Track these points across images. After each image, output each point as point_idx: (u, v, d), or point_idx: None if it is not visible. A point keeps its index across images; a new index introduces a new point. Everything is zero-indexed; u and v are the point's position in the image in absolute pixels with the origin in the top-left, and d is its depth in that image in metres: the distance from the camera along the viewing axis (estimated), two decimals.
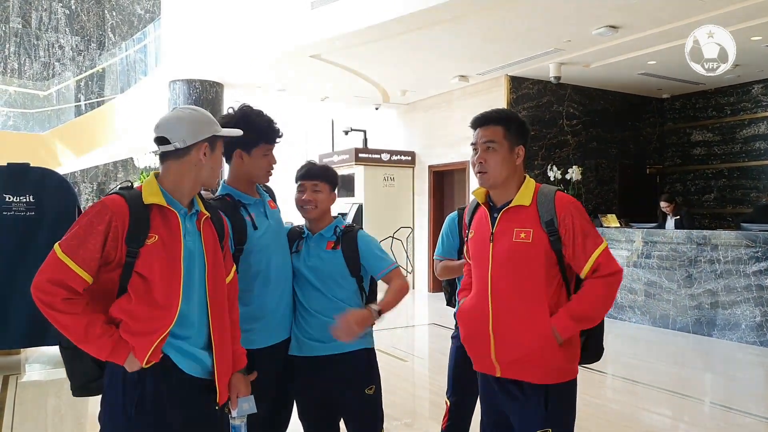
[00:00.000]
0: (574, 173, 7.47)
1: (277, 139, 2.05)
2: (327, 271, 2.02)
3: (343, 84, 8.04)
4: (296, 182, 2.11)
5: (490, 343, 1.77)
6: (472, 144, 1.86)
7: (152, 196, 1.55)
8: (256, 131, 1.96)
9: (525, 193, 1.79)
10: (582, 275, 1.74)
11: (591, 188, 8.19)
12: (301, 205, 2.09)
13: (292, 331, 2.06)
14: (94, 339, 1.47)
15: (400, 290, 2.06)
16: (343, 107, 9.83)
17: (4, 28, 12.64)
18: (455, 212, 2.76)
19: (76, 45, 13.26)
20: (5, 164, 4.76)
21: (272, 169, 2.05)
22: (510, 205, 1.78)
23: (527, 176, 1.87)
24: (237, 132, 1.73)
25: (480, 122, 1.85)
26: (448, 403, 2.72)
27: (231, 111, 2.03)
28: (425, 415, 3.88)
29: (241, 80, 7.87)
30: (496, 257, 1.76)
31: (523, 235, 1.73)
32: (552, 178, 7.39)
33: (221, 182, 2.01)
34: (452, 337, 2.77)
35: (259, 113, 2.03)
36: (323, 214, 2.10)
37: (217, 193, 2.00)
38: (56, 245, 1.46)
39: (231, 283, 1.74)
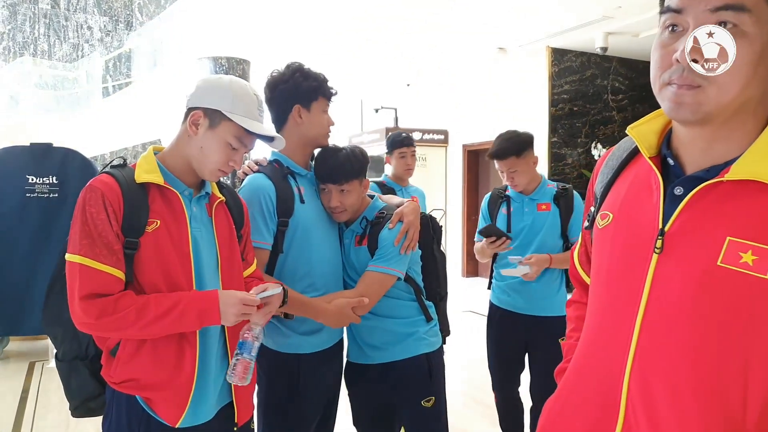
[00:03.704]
0: None
1: (332, 97, 1.78)
2: (363, 269, 1.73)
3: (372, 60, 7.71)
4: (318, 181, 1.76)
5: None
6: (667, 10, 0.81)
7: (146, 173, 1.28)
8: (317, 81, 1.73)
9: None
10: None
11: None
12: (328, 209, 1.76)
13: (348, 333, 1.81)
14: (175, 309, 1.21)
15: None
16: (372, 85, 9.50)
17: (33, 9, 12.63)
18: (490, 193, 2.63)
19: (104, 25, 13.19)
20: (28, 144, 4.63)
21: (330, 129, 1.79)
22: (725, 177, 0.78)
23: None
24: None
25: None
26: (496, 398, 2.65)
27: (278, 70, 1.75)
28: (458, 409, 3.61)
29: (268, 57, 7.61)
30: (662, 291, 0.80)
31: (748, 257, 0.74)
32: (597, 157, 6.95)
33: (272, 151, 1.75)
34: (487, 327, 2.67)
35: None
36: (356, 211, 1.79)
37: (267, 160, 1.74)
38: (68, 255, 1.21)
39: (251, 277, 1.48)
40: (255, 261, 1.53)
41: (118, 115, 10.40)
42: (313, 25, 6.42)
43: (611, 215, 0.91)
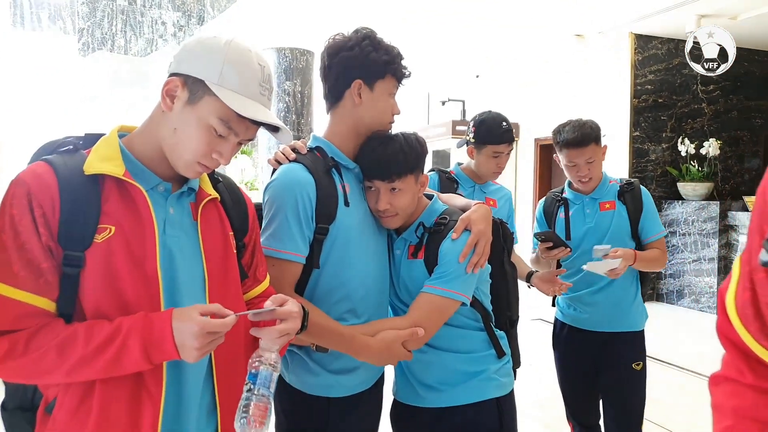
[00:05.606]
0: (710, 147, 6.32)
1: (404, 80, 1.44)
2: (417, 289, 1.38)
3: (440, 50, 7.38)
4: (364, 178, 1.41)
5: None
6: None
7: (100, 162, 0.94)
8: (389, 54, 1.39)
9: None
10: None
11: (729, 165, 6.98)
12: (376, 212, 1.41)
13: (397, 367, 1.48)
14: (111, 343, 0.87)
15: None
16: (439, 76, 9.16)
17: (111, 6, 13.12)
18: (545, 198, 2.31)
19: (177, 21, 13.54)
20: (82, 135, 4.67)
21: (394, 119, 1.45)
22: None
23: None
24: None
25: None
26: (572, 430, 2.34)
27: (343, 34, 1.44)
28: None
29: None
30: None
31: None
32: (684, 153, 6.33)
33: (313, 135, 1.44)
34: (553, 346, 2.39)
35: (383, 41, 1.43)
36: (410, 215, 1.44)
37: (307, 145, 1.41)
38: None
39: (261, 296, 1.16)
40: (267, 277, 1.20)
41: None
42: (379, 15, 6.18)
43: None
